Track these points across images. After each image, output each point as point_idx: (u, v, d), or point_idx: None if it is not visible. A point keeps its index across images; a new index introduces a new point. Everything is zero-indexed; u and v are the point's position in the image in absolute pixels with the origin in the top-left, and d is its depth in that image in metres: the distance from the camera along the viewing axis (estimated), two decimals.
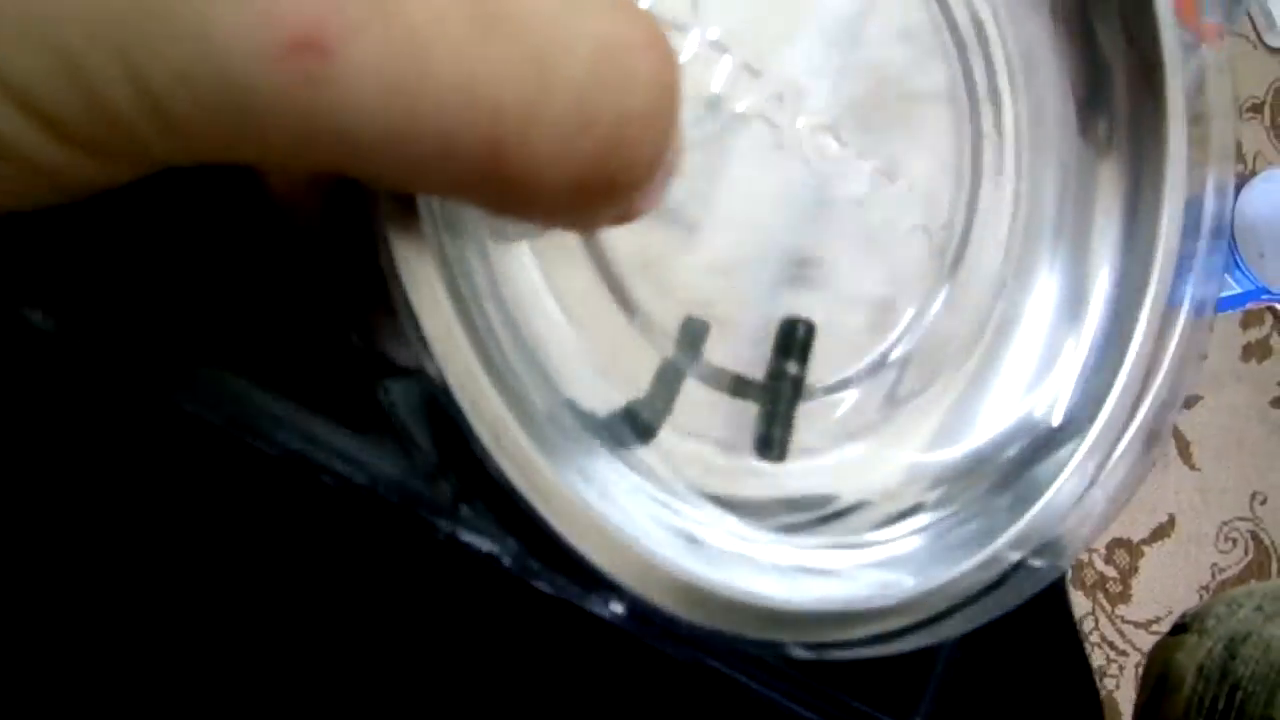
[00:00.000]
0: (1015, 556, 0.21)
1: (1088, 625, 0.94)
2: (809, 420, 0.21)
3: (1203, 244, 0.24)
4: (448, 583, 0.18)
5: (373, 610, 0.18)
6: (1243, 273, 0.84)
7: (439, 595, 0.18)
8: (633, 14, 0.12)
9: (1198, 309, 0.24)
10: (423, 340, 0.13)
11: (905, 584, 0.19)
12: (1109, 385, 0.23)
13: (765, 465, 0.21)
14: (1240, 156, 1.05)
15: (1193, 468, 0.99)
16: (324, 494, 0.14)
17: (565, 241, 0.18)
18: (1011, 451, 0.23)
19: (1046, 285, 0.25)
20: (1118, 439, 0.23)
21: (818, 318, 0.21)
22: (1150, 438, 0.23)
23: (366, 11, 0.10)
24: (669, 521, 0.18)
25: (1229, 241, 0.85)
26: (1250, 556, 0.99)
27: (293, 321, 0.14)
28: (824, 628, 0.18)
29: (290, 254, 0.14)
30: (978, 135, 0.24)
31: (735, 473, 0.20)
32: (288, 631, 0.18)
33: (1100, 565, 0.95)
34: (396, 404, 0.14)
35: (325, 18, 0.10)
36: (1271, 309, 1.02)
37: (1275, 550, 1.00)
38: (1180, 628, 0.39)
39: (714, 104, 0.19)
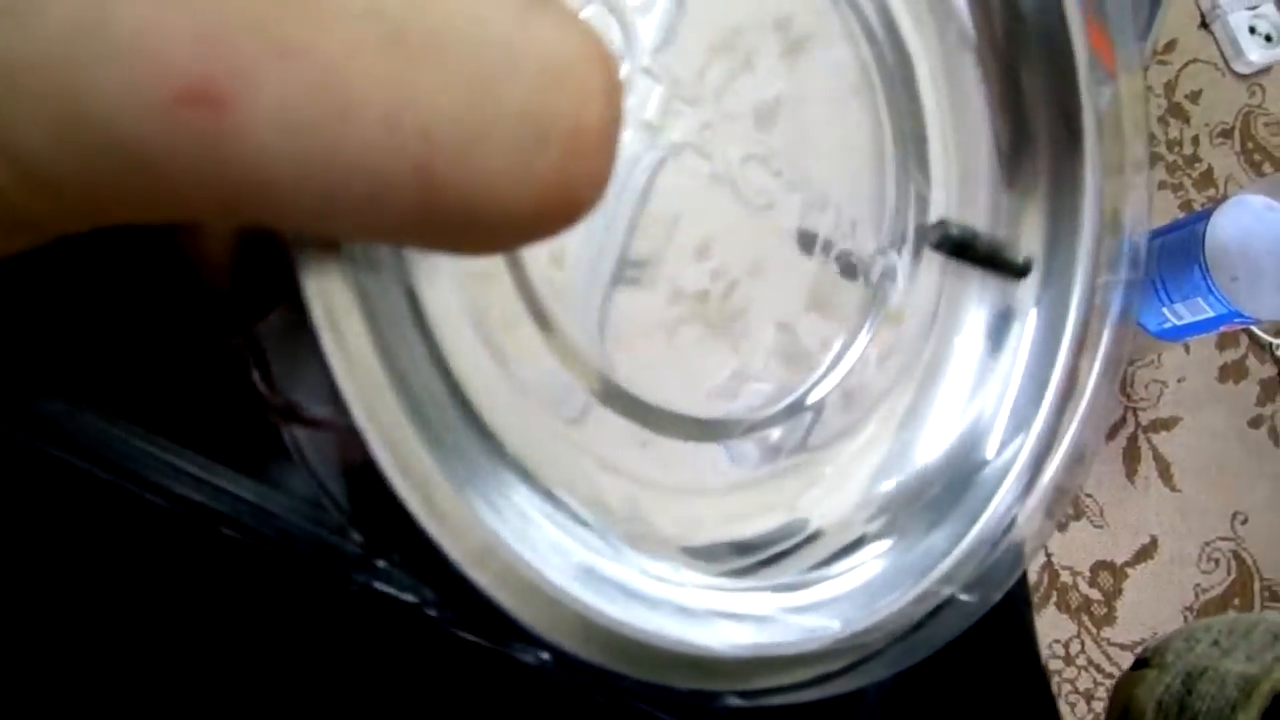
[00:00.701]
0: (947, 592, 0.21)
1: (1073, 648, 0.94)
2: (752, 456, 0.22)
3: (1122, 273, 0.25)
4: (364, 632, 0.17)
5: (280, 662, 0.17)
6: (1216, 296, 0.85)
7: (354, 645, 0.17)
8: (578, 27, 0.11)
9: (1117, 338, 0.25)
10: (340, 390, 0.12)
11: (835, 626, 0.19)
12: (1034, 415, 0.24)
13: (705, 506, 0.21)
14: (1211, 181, 1.06)
15: (1173, 489, 0.99)
16: (226, 546, 0.13)
17: (496, 283, 0.17)
18: (944, 482, 0.24)
19: (975, 318, 0.26)
20: (1043, 467, 0.24)
21: (759, 348, 0.21)
22: (1075, 463, 0.24)
23: (263, 52, 0.09)
24: (597, 570, 0.17)
25: (1200, 265, 0.84)
26: (1233, 576, 0.99)
27: (188, 364, 0.13)
28: (758, 675, 0.18)
29: (187, 293, 0.13)
30: (906, 171, 0.24)
31: (674, 514, 0.20)
32: (195, 696, 0.16)
33: (1084, 588, 0.95)
34: (306, 451, 0.13)
35: (214, 65, 0.09)
36: (1247, 331, 1.03)
37: (1258, 569, 1.00)
38: (1141, 662, 0.40)
39: (651, 132, 0.19)
